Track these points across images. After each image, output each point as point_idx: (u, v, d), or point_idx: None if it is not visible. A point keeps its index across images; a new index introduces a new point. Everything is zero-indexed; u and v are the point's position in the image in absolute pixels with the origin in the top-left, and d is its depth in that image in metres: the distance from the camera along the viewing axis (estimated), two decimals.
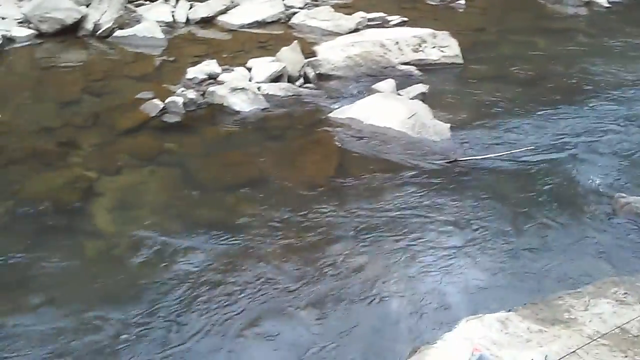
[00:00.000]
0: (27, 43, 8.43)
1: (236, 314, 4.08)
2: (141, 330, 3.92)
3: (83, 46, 8.51)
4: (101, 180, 5.52)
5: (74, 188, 5.37)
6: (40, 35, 8.57)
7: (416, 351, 3.68)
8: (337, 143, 6.32)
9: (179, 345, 3.84)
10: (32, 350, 3.74)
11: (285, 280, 4.39)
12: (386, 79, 7.57)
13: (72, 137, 6.17)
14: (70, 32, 8.65)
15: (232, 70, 7.53)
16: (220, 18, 9.60)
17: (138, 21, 9.02)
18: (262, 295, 4.25)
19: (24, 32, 8.49)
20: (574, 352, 3.39)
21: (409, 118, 6.56)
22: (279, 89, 7.25)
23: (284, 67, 7.53)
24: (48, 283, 4.32)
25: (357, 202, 5.32)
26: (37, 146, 5.96)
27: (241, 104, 6.84)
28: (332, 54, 8.13)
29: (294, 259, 4.61)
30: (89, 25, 8.66)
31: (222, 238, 4.81)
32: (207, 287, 4.30)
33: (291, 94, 7.25)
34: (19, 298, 4.17)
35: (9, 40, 8.36)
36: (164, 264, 4.51)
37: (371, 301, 4.25)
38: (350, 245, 4.79)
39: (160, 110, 6.62)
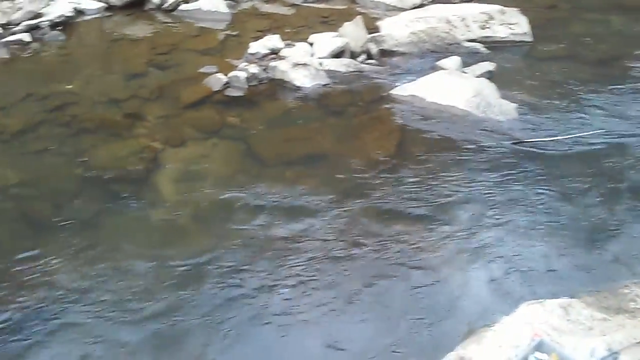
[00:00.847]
0: (96, 15, 8.66)
1: (297, 290, 4.13)
2: (202, 297, 4.04)
3: (149, 19, 8.68)
4: (165, 151, 5.64)
5: (139, 158, 5.51)
6: (109, 8, 8.80)
7: (473, 333, 3.64)
8: (398, 120, 6.24)
9: (245, 309, 3.94)
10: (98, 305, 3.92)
11: (341, 256, 4.40)
12: (451, 56, 7.39)
13: (138, 108, 6.33)
14: (137, 5, 8.84)
15: (294, 45, 7.51)
16: None
17: None
18: (318, 270, 4.28)
19: (93, 4, 8.73)
20: (639, 342, 3.28)
21: (473, 97, 6.40)
22: (341, 65, 7.19)
23: (346, 43, 7.46)
24: (114, 247, 4.48)
25: (417, 181, 5.25)
26: (106, 117, 6.15)
27: (302, 79, 6.84)
28: (395, 30, 7.98)
29: (351, 236, 4.61)
30: None
31: (281, 212, 4.85)
32: (266, 258, 4.37)
33: (353, 70, 7.19)
34: (89, 259, 4.35)
35: (80, 12, 8.62)
36: (224, 235, 4.60)
37: (430, 280, 4.21)
38: (409, 224, 4.74)
39: (223, 84, 6.70)
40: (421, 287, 4.16)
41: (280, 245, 4.52)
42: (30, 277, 4.17)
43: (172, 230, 4.69)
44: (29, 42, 7.74)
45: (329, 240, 4.57)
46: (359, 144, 5.84)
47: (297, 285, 4.16)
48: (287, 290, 4.12)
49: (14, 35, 7.78)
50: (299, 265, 4.32)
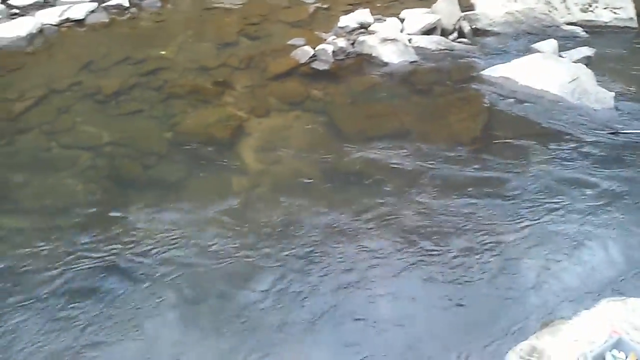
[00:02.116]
0: None
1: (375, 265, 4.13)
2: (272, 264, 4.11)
3: None
4: (250, 121, 5.74)
5: (225, 125, 5.63)
6: None
7: (548, 324, 3.52)
8: (486, 102, 6.04)
9: (324, 275, 4.01)
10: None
11: (419, 240, 4.34)
12: (548, 38, 7.05)
13: (227, 77, 6.45)
14: None
15: (384, 20, 7.40)
16: None
17: None
18: (400, 251, 4.25)
19: None
20: None
21: (569, 82, 6.09)
22: (431, 42, 7.02)
23: (438, 20, 7.27)
24: (196, 208, 4.63)
25: (502, 165, 5.08)
26: (196, 83, 6.31)
27: (390, 55, 6.73)
28: (491, 9, 7.69)
29: (430, 217, 4.53)
30: None
31: (359, 187, 4.85)
32: (339, 231, 4.39)
33: (443, 47, 7.00)
34: (171, 217, 4.53)
35: None
36: (300, 204, 4.65)
37: (511, 269, 4.10)
38: (489, 209, 4.61)
39: (310, 57, 6.71)
40: (503, 271, 4.08)
41: (353, 218, 4.52)
42: (118, 229, 4.40)
43: (251, 197, 4.78)
44: (127, 7, 8.02)
45: (403, 218, 4.52)
46: (444, 124, 5.71)
47: (369, 264, 4.16)
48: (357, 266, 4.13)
49: (114, 0, 8.09)
50: (366, 244, 4.31)
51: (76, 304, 3.82)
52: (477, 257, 4.19)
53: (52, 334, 3.63)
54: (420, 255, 4.21)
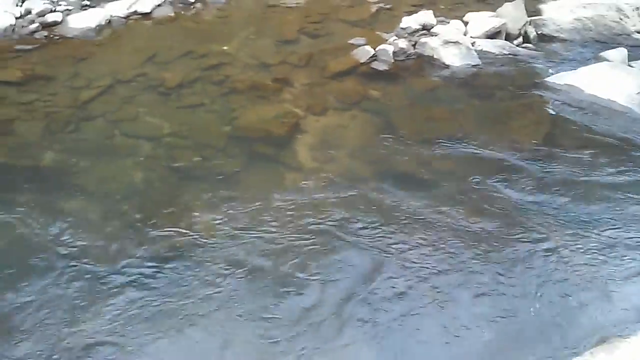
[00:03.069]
0: None
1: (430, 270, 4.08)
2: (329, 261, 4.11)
3: None
4: (307, 118, 5.76)
5: (282, 122, 5.67)
6: None
7: (604, 341, 3.40)
8: (549, 110, 5.88)
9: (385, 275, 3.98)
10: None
11: (469, 247, 4.26)
12: (617, 47, 6.81)
13: (286, 74, 6.49)
14: None
15: (448, 22, 7.30)
16: None
17: None
18: (449, 259, 4.19)
19: None
20: None
21: (637, 93, 5.86)
22: (495, 46, 6.88)
23: (503, 24, 7.12)
24: (250, 202, 4.67)
25: (563, 176, 4.93)
26: (256, 79, 6.38)
27: (452, 58, 6.64)
28: (559, 14, 7.48)
29: (484, 225, 4.44)
30: None
31: (414, 190, 4.79)
32: (392, 236, 4.35)
33: (507, 52, 6.85)
34: (226, 210, 4.60)
35: None
36: (354, 204, 4.63)
37: (568, 282, 3.97)
38: (548, 219, 4.47)
39: (370, 57, 6.69)
40: (560, 283, 3.96)
41: (405, 221, 4.47)
42: (174, 218, 4.50)
43: (304, 194, 4.79)
44: (192, 2, 8.18)
45: (455, 223, 4.45)
46: (505, 130, 5.58)
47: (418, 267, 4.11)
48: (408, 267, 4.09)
49: None
50: (420, 248, 4.26)
51: (130, 291, 3.91)
52: (532, 269, 4.07)
53: (110, 320, 3.74)
54: (470, 264, 4.13)
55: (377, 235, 4.35)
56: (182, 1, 8.16)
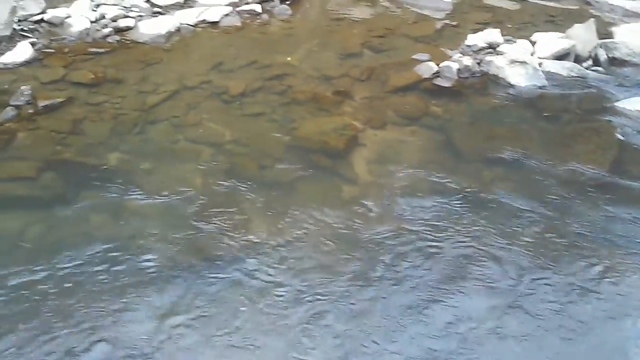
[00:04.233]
0: None
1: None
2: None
3: (371, 2, 8.82)
4: (366, 132, 5.74)
5: (341, 134, 5.67)
6: None
7: None
8: (618, 135, 5.66)
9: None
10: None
11: (527, 269, 4.15)
12: None
13: (347, 87, 6.50)
14: None
15: (515, 42, 7.16)
16: None
17: None
18: (510, 281, 4.08)
19: None
20: None
21: None
22: (563, 68, 6.70)
23: (572, 45, 6.93)
24: (305, 212, 4.70)
25: (630, 205, 4.73)
26: (317, 91, 6.41)
27: (517, 77, 6.50)
28: (631, 38, 7.20)
29: (542, 249, 4.32)
30: None
31: (472, 210, 4.70)
32: (445, 255, 4.28)
33: (575, 74, 6.66)
34: (281, 218, 4.64)
35: None
36: (409, 221, 4.58)
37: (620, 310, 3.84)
38: (607, 246, 4.31)
39: (433, 73, 6.63)
40: (610, 314, 3.84)
41: (460, 241, 4.40)
42: (229, 224, 4.56)
43: (360, 208, 4.77)
44: (259, 13, 8.33)
45: (513, 246, 4.34)
46: (569, 154, 5.40)
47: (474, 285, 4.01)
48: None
49: (247, 5, 8.43)
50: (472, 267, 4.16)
51: (179, 294, 3.98)
52: (594, 295, 3.96)
53: (158, 321, 3.81)
54: (533, 287, 4.03)
55: (432, 254, 4.29)
56: (249, 11, 8.32)
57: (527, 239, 4.42)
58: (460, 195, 4.86)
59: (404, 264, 4.20)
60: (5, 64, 6.69)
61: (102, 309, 3.84)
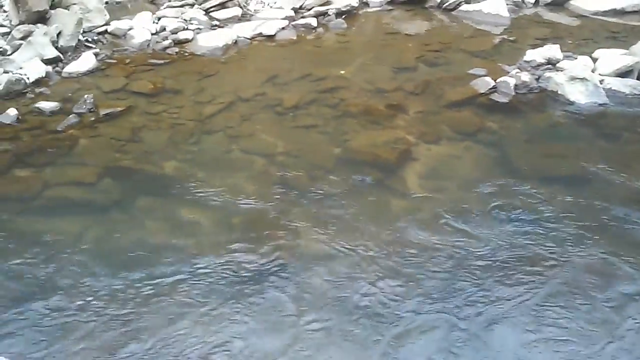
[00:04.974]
0: (378, 8, 9.10)
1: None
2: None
3: (427, 17, 8.81)
4: (419, 146, 5.69)
5: (392, 148, 5.64)
6: (391, 2, 9.18)
7: None
8: None
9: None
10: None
11: (584, 296, 4.00)
12: None
13: (401, 101, 6.48)
14: (418, 2, 9.06)
15: (575, 58, 7.00)
16: (573, 2, 8.95)
17: None
18: (560, 308, 3.96)
19: None
20: None
21: None
22: (625, 86, 6.48)
23: (636, 62, 6.69)
24: (354, 223, 4.68)
25: None
26: (370, 104, 6.41)
27: (577, 94, 6.33)
28: None
29: (599, 275, 4.15)
30: None
31: (528, 230, 4.56)
32: (497, 274, 4.17)
33: (638, 92, 6.42)
34: (330, 229, 4.63)
35: (364, 4, 9.15)
36: (459, 239, 4.49)
37: None
38: None
39: (490, 88, 6.53)
40: None
41: (514, 262, 4.28)
42: (279, 234, 4.59)
43: (410, 222, 4.71)
44: (314, 27, 8.43)
45: (568, 269, 4.19)
46: (631, 174, 5.19)
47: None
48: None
49: (303, 19, 8.55)
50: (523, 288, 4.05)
51: (227, 302, 4.00)
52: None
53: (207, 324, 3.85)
54: (585, 313, 3.88)
55: (482, 275, 4.18)
56: (305, 25, 8.42)
57: (584, 260, 4.26)
58: (516, 214, 4.73)
59: (452, 282, 4.12)
60: (69, 73, 6.98)
61: (154, 309, 3.91)
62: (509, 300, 3.96)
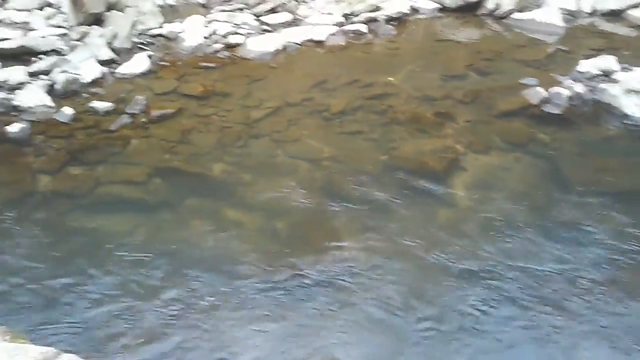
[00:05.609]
0: (429, 15, 8.99)
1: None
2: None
3: (479, 24, 8.68)
4: (467, 156, 5.61)
5: (440, 157, 5.57)
6: (442, 9, 9.05)
7: None
8: None
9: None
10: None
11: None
12: None
13: (449, 109, 6.39)
14: (470, 10, 8.91)
15: (631, 70, 6.77)
16: (631, 12, 8.65)
17: (539, 6, 8.75)
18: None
19: (429, 4, 9.07)
20: None
21: None
22: None
23: None
24: (398, 233, 4.64)
25: None
26: (418, 112, 6.35)
27: (634, 107, 6.13)
28: None
29: None
30: (490, 5, 8.78)
31: (579, 247, 4.45)
32: (544, 291, 4.07)
33: None
34: (374, 238, 4.60)
35: (414, 10, 9.04)
36: (506, 252, 4.41)
37: None
38: None
39: (542, 99, 6.39)
40: None
41: (564, 280, 4.18)
42: (322, 240, 4.60)
43: (456, 233, 4.65)
44: (364, 33, 8.40)
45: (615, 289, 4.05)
46: None
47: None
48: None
49: (352, 25, 8.53)
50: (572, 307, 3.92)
51: (266, 304, 4.03)
52: None
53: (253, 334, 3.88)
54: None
55: (524, 289, 4.09)
56: (355, 31, 8.40)
57: (630, 278, 4.12)
58: (567, 228, 4.61)
59: (497, 297, 4.05)
60: (123, 74, 7.14)
61: (195, 307, 3.97)
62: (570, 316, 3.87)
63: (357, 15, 8.75)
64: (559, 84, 6.64)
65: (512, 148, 5.72)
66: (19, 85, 6.64)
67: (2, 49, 7.10)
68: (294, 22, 8.66)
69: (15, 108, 6.33)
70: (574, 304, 3.96)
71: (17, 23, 7.83)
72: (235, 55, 7.75)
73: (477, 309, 3.94)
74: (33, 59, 7.07)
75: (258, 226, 4.78)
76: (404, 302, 4.02)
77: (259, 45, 7.92)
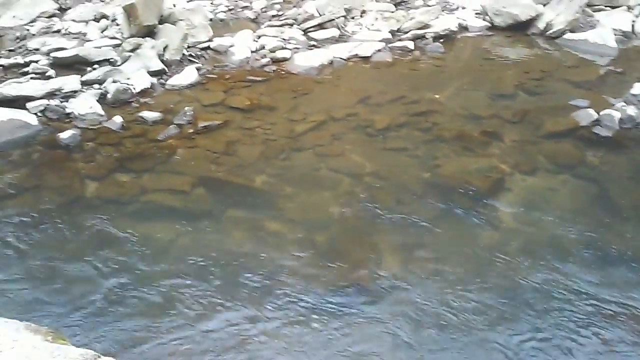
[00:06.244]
0: (478, 33, 8.93)
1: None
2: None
3: (529, 44, 8.56)
4: (513, 176, 5.51)
5: (485, 176, 5.49)
6: (492, 27, 8.98)
7: None
8: None
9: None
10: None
11: None
12: None
13: (496, 128, 6.30)
14: (520, 29, 8.81)
15: None
16: None
17: (592, 26, 8.59)
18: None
19: (478, 22, 9.02)
20: None
21: None
22: None
23: None
24: (439, 252, 4.58)
25: None
26: (464, 130, 6.28)
27: None
28: None
29: None
30: (540, 24, 8.66)
31: (629, 277, 4.28)
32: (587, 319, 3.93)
33: None
34: (414, 256, 4.55)
35: (463, 28, 9.00)
36: (553, 278, 4.28)
37: None
38: None
39: (592, 120, 6.24)
40: None
41: (604, 310, 4.03)
42: (361, 255, 4.58)
43: (500, 254, 4.54)
44: (411, 50, 8.38)
45: None
46: None
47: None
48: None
49: (400, 42, 8.53)
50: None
51: (304, 318, 4.01)
52: None
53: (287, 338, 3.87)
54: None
55: (577, 320, 3.97)
56: (402, 48, 8.40)
57: None
58: (615, 255, 4.46)
59: (538, 324, 3.93)
60: (172, 86, 7.30)
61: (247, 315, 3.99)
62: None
63: (405, 32, 8.75)
64: (610, 106, 6.47)
65: (559, 170, 5.59)
66: (73, 93, 6.88)
67: (59, 58, 7.37)
68: (342, 38, 8.72)
69: (68, 115, 6.55)
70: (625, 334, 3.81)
71: (73, 34, 8.14)
72: (282, 70, 7.84)
73: (521, 333, 3.84)
74: (87, 68, 7.32)
75: (298, 238, 4.78)
76: (438, 323, 3.95)
77: (306, 60, 7.99)
